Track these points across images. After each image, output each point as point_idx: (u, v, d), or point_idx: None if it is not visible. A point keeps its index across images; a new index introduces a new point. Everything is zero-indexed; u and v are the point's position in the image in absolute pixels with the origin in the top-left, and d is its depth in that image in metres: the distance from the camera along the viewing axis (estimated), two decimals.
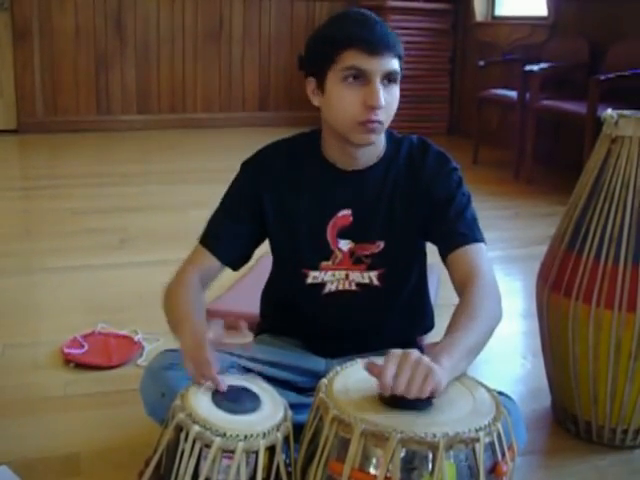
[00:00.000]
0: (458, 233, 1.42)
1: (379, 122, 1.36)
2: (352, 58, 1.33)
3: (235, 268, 1.54)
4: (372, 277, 1.48)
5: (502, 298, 1.38)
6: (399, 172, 1.47)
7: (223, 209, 1.53)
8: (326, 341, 1.55)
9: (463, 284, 1.35)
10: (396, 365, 1.08)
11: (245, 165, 1.53)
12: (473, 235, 1.42)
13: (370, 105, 1.33)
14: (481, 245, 1.42)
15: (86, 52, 5.72)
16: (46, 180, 4.31)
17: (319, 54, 1.38)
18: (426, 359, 1.09)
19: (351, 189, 1.47)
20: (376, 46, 1.32)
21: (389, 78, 1.35)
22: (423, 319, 1.66)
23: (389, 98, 1.36)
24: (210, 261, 1.49)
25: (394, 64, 1.34)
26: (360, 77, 1.33)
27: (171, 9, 5.87)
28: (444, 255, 1.43)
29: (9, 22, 5.47)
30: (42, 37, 5.58)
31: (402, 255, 1.50)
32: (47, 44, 5.61)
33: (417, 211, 1.46)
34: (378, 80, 1.33)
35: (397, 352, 1.10)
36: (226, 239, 1.49)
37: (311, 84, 1.41)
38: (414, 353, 1.10)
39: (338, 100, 1.36)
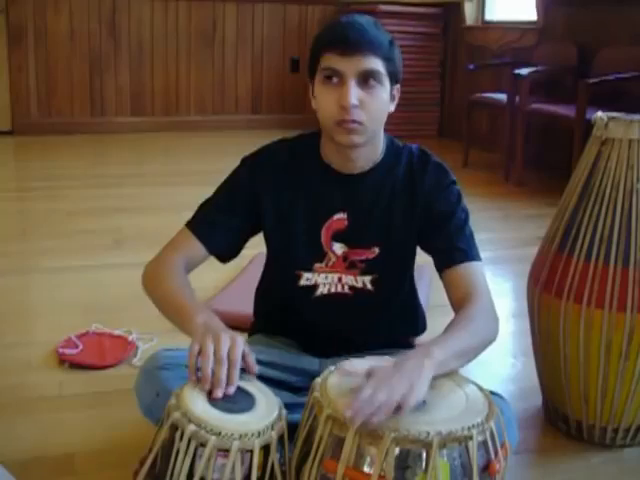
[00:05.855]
0: (457, 249, 1.43)
1: (356, 122, 1.36)
2: (328, 59, 1.35)
3: (222, 260, 1.53)
4: (365, 282, 1.49)
5: (493, 300, 1.40)
6: (398, 180, 1.48)
7: (218, 199, 1.52)
8: (319, 341, 1.55)
9: (461, 303, 1.37)
10: (372, 389, 1.09)
11: (246, 161, 1.53)
12: (471, 253, 1.44)
13: (341, 104, 1.34)
14: (479, 264, 1.44)
15: (80, 54, 5.72)
16: (41, 181, 4.30)
17: (310, 58, 1.41)
18: (405, 382, 1.10)
19: (348, 192, 1.48)
20: (349, 46, 1.33)
21: (368, 78, 1.35)
22: (416, 321, 1.67)
23: (368, 98, 1.35)
24: (196, 248, 1.48)
25: (372, 64, 1.34)
26: (336, 77, 1.35)
27: (165, 12, 5.87)
28: (441, 269, 1.45)
29: (4, 24, 5.46)
30: (37, 39, 5.57)
31: (397, 262, 1.51)
32: (42, 46, 5.60)
33: (415, 221, 1.47)
34: (352, 80, 1.34)
35: (377, 374, 1.12)
36: (217, 229, 1.49)
37: (310, 87, 1.44)
38: (394, 377, 1.10)
39: (320, 101, 1.39)
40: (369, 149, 1.45)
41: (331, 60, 1.35)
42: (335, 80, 1.35)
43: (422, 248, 1.52)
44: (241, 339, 1.23)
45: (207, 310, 1.35)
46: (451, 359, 1.21)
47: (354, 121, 1.35)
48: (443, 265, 1.44)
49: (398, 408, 1.08)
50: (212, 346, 1.18)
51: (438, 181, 1.48)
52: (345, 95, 1.33)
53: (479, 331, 1.30)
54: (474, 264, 1.43)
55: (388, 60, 1.37)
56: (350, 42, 1.33)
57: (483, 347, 1.32)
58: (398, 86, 1.44)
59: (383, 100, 1.39)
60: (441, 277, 1.45)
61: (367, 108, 1.36)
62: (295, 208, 1.48)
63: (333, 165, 1.48)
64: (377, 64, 1.35)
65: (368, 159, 1.47)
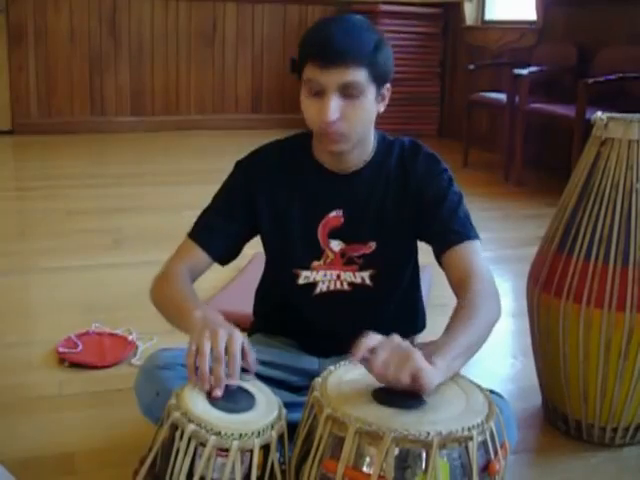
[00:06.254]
0: (452, 231, 1.42)
1: (339, 134, 1.35)
2: (309, 71, 1.34)
3: (223, 264, 1.55)
4: (364, 277, 1.49)
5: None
6: (390, 174, 1.48)
7: (215, 206, 1.53)
8: (319, 340, 1.56)
9: (460, 284, 1.35)
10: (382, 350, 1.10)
11: (239, 165, 1.54)
12: (467, 233, 1.42)
13: (320, 119, 1.34)
14: (476, 242, 1.42)
15: (80, 54, 5.72)
16: (40, 181, 4.31)
17: (298, 61, 1.39)
18: (406, 345, 1.11)
19: (342, 190, 1.48)
20: (329, 59, 1.30)
21: (350, 89, 1.32)
22: (415, 319, 1.67)
23: (350, 109, 1.34)
24: (200, 256, 1.49)
25: (353, 76, 1.31)
26: (317, 89, 1.34)
27: (165, 12, 5.87)
28: (439, 254, 1.44)
29: (4, 24, 5.46)
30: (37, 39, 5.58)
31: (394, 256, 1.51)
32: (42, 46, 5.60)
33: (409, 212, 1.47)
34: (332, 93, 1.32)
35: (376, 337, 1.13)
36: (217, 236, 1.49)
37: None
38: (395, 338, 1.13)
39: (304, 110, 1.39)
40: (359, 150, 1.46)
41: (313, 72, 1.33)
42: (317, 92, 1.34)
43: (420, 239, 1.51)
44: (239, 333, 1.22)
45: (206, 306, 1.35)
46: (454, 362, 1.18)
47: (333, 133, 1.35)
48: (440, 249, 1.43)
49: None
50: (209, 344, 1.18)
51: (429, 169, 1.47)
52: (325, 110, 1.32)
53: (481, 323, 1.27)
54: (470, 243, 1.41)
55: (372, 65, 1.33)
56: (331, 54, 1.30)
57: (488, 332, 1.29)
58: (388, 85, 1.41)
59: (367, 108, 1.37)
60: (440, 264, 1.44)
61: (349, 118, 1.34)
62: (291, 208, 1.49)
63: (326, 165, 1.48)
64: (359, 75, 1.32)
65: (359, 159, 1.47)
